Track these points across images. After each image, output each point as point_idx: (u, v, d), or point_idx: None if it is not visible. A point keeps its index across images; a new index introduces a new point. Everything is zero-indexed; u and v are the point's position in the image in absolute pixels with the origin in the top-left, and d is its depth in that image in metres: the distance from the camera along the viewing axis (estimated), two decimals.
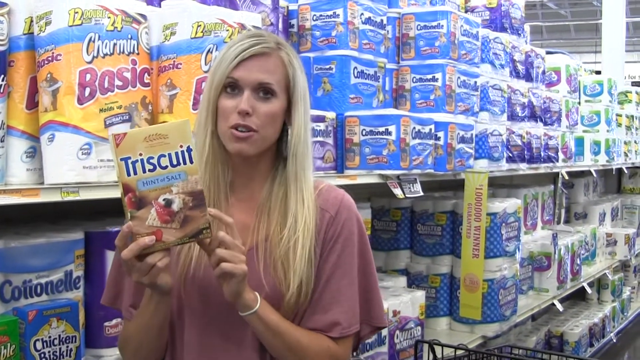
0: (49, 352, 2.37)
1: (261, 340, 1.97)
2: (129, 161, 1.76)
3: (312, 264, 2.01)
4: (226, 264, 1.82)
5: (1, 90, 2.25)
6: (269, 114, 1.99)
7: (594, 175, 7.32)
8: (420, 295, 3.91)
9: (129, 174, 1.76)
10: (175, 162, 1.78)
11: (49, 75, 2.30)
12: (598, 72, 11.36)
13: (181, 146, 1.79)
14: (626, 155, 7.87)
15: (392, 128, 3.52)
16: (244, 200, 2.09)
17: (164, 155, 1.78)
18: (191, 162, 1.80)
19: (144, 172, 1.77)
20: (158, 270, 1.82)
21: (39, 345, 2.34)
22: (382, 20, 3.97)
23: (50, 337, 2.37)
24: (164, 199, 1.78)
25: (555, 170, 6.01)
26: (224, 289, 1.86)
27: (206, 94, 2.04)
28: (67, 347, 2.43)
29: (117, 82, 2.42)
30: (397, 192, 3.59)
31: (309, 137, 2.09)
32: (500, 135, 4.74)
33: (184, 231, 1.80)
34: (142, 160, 1.77)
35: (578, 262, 6.18)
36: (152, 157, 1.77)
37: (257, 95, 1.98)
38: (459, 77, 4.25)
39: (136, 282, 1.87)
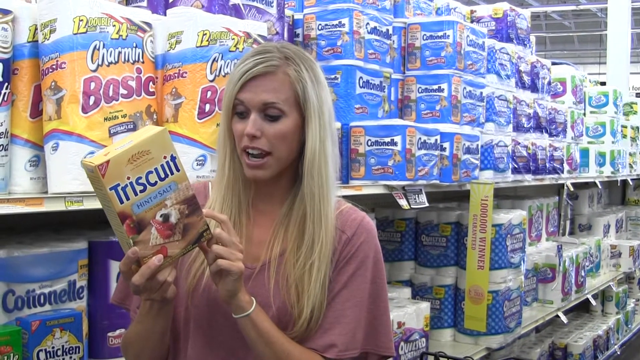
0: None
1: (252, 348, 1.92)
2: (119, 188, 1.69)
3: (326, 288, 1.97)
4: (222, 260, 1.79)
5: (5, 99, 2.24)
6: (278, 135, 1.94)
7: (599, 186, 7.30)
8: (424, 306, 3.88)
9: (122, 202, 1.70)
10: (163, 175, 1.75)
11: (53, 84, 2.29)
12: (602, 84, 11.35)
13: (165, 157, 1.75)
14: (631, 166, 7.86)
15: (397, 138, 3.50)
16: (265, 212, 2.06)
17: (152, 172, 1.73)
18: (177, 170, 1.76)
19: (136, 194, 1.71)
20: (168, 285, 1.81)
21: (42, 355, 2.32)
22: (387, 30, 3.96)
23: (53, 347, 2.35)
24: (161, 215, 1.75)
25: (560, 181, 5.99)
26: (219, 287, 1.84)
27: (221, 115, 2.03)
28: (71, 357, 2.41)
29: (122, 91, 2.41)
30: (403, 203, 3.57)
31: (328, 153, 2.00)
32: (506, 146, 4.73)
33: (187, 240, 1.79)
34: (131, 183, 1.70)
35: (582, 274, 6.15)
36: (141, 177, 1.72)
37: (264, 116, 1.94)
38: (464, 88, 4.23)
39: (146, 300, 1.86)
